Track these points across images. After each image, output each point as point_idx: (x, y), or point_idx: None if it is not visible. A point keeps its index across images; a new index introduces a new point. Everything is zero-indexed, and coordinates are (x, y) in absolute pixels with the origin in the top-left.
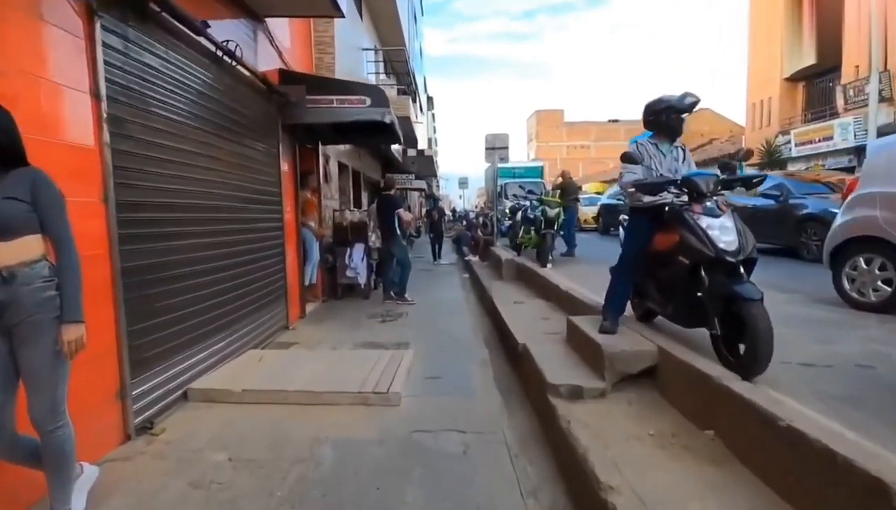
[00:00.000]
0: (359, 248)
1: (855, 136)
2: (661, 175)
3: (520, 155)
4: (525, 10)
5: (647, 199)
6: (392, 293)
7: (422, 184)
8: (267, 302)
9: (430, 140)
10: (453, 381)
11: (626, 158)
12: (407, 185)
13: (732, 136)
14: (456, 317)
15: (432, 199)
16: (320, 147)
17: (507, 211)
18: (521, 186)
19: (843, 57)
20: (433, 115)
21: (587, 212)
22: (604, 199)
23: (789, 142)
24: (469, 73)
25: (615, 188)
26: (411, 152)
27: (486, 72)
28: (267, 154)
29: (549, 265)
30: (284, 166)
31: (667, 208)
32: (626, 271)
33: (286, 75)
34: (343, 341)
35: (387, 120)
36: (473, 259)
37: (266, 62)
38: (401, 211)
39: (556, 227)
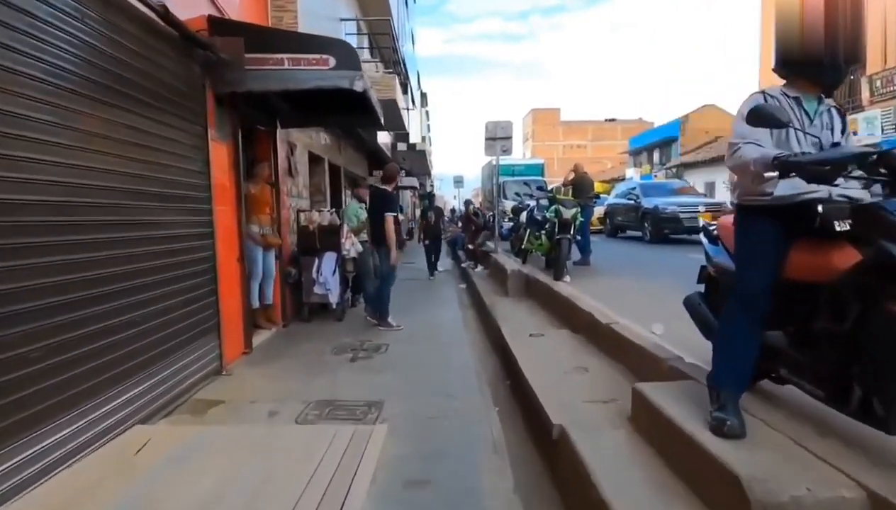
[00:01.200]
0: (329, 259)
1: (883, 130)
2: (834, 144)
3: (516, 154)
4: (520, 11)
5: (785, 189)
6: (377, 314)
7: (413, 181)
8: (181, 342)
9: (424, 138)
10: (450, 493)
11: (756, 118)
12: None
13: None
14: (452, 351)
15: (428, 197)
16: (280, 130)
17: (509, 212)
18: (525, 183)
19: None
20: (427, 112)
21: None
22: (610, 200)
23: None
24: (465, 73)
25: (623, 187)
26: (401, 147)
27: (482, 72)
28: (187, 133)
29: (565, 278)
30: (219, 151)
31: (820, 206)
32: (749, 317)
33: (217, 24)
34: (290, 397)
35: (357, 87)
36: (470, 266)
37: (186, 5)
38: (387, 216)
39: (573, 231)
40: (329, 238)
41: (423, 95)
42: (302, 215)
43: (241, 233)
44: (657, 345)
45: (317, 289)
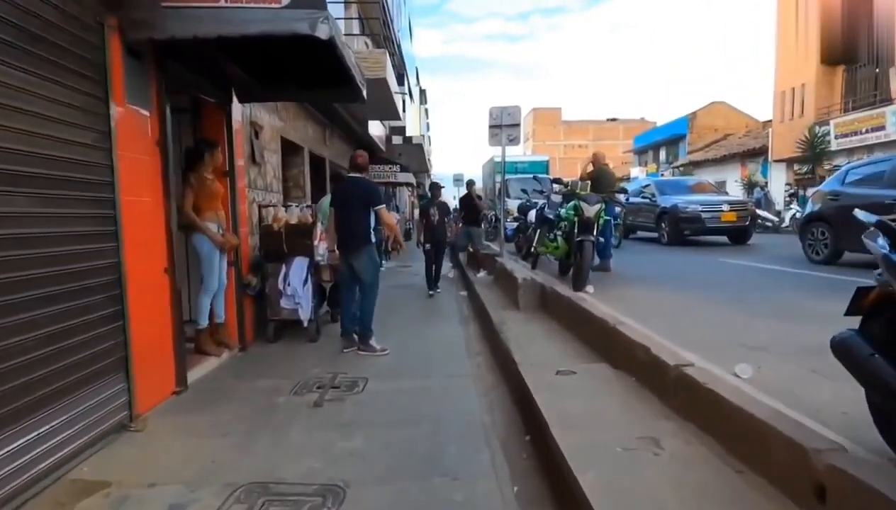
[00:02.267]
0: (299, 265)
1: None
2: None
3: (517, 151)
4: (521, 12)
5: None
6: (354, 334)
7: (409, 177)
8: (59, 390)
9: (423, 137)
10: None
11: None
12: (390, 179)
13: (750, 130)
14: (451, 389)
15: (430, 188)
16: (237, 106)
17: (514, 210)
18: (535, 178)
19: None
20: (426, 110)
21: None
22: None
23: (828, 133)
24: (465, 73)
25: (635, 185)
26: (397, 140)
27: (482, 72)
28: (72, 90)
29: (587, 288)
30: (131, 122)
31: None
32: None
33: None
34: (211, 475)
35: (320, 33)
36: (471, 273)
37: None
38: (383, 208)
39: (596, 232)
40: (299, 240)
41: (423, 92)
42: (265, 212)
43: (170, 234)
44: (777, 414)
45: (284, 303)
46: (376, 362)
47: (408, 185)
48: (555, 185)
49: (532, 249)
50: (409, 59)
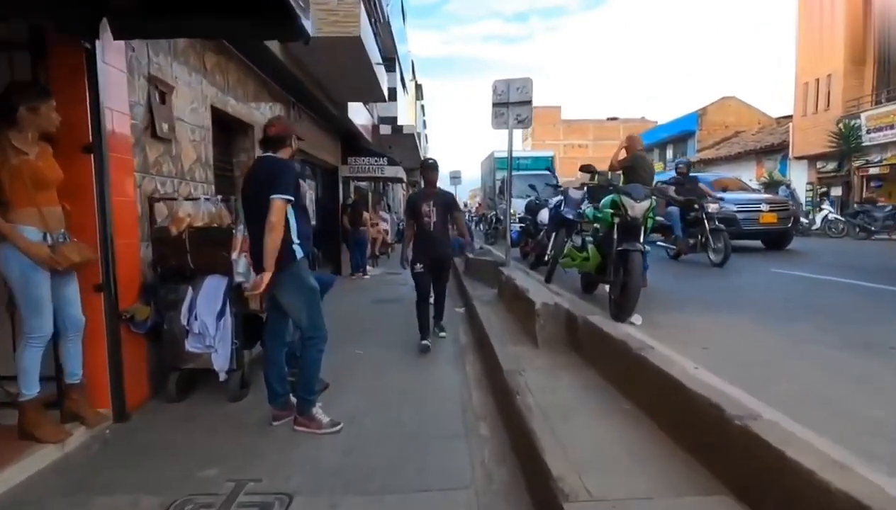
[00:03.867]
0: (212, 288)
1: None
2: None
3: (516, 149)
4: (520, 14)
5: None
6: (288, 396)
7: (397, 171)
8: None
9: (420, 135)
10: None
11: None
12: (376, 173)
13: (763, 126)
14: None
15: (422, 173)
16: (117, 48)
17: (519, 210)
18: (549, 169)
19: None
20: (422, 106)
21: None
22: None
23: (858, 128)
24: (463, 74)
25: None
26: (385, 130)
27: (480, 73)
28: None
29: (634, 319)
30: None
31: None
32: None
33: None
34: None
35: None
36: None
37: None
38: (278, 200)
39: (644, 238)
40: (211, 250)
41: (419, 87)
42: (161, 208)
43: None
44: None
45: (191, 345)
46: (317, 450)
47: (400, 180)
48: (580, 174)
49: (546, 258)
50: (404, 58)
